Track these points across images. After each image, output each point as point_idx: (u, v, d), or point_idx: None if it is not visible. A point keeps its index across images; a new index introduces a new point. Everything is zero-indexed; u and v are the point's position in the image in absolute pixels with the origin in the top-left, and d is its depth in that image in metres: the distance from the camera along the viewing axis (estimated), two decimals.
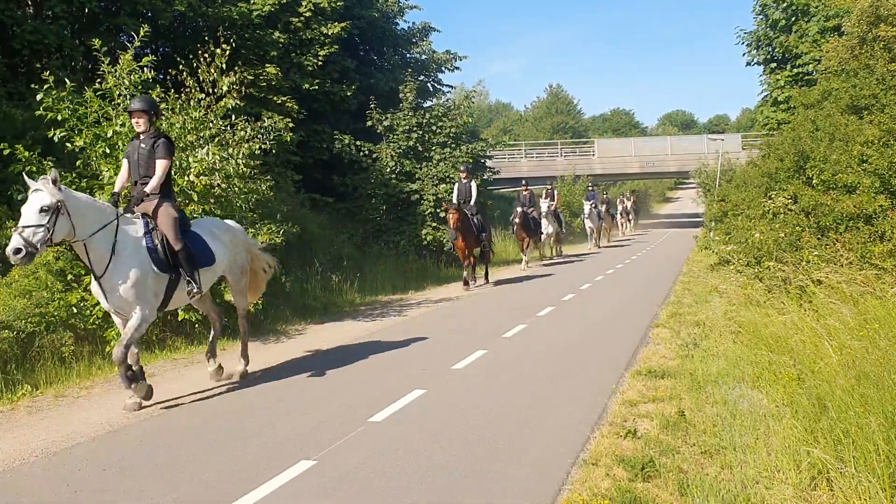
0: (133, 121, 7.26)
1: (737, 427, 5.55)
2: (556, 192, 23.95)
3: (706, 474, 4.78)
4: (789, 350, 6.28)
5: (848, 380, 4.85)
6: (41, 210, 5.95)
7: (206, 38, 14.00)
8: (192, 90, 11.12)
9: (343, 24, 21.50)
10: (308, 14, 21.06)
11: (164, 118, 10.21)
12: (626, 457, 5.10)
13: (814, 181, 10.61)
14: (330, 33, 21.35)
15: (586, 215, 27.82)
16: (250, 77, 12.55)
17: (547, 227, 22.31)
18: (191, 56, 12.11)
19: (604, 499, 4.42)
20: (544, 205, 22.34)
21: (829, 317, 6.39)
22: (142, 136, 7.18)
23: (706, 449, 5.24)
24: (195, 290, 7.11)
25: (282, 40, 20.45)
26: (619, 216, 38.07)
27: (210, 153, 10.20)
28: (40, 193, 5.99)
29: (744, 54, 34.65)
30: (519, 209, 20.03)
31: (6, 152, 9.18)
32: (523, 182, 22.88)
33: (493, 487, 4.73)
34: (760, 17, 34.13)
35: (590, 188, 30.04)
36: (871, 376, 4.81)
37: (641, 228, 44.10)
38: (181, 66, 11.49)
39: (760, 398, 6.26)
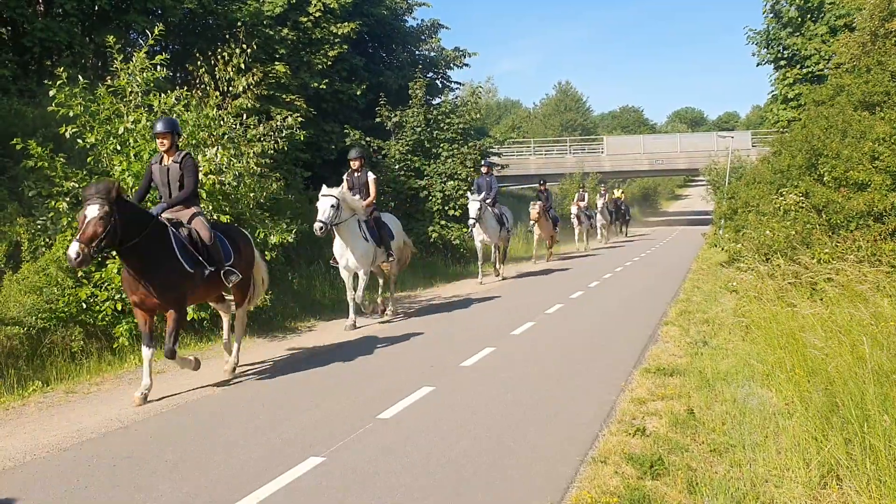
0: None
1: (746, 425, 5.53)
2: (370, 180, 11.60)
3: (715, 472, 4.76)
4: (800, 347, 6.25)
5: (860, 378, 4.82)
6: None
7: (225, 35, 14.03)
8: (209, 87, 11.17)
9: (353, 25, 21.51)
10: (318, 14, 21.09)
11: (175, 115, 10.24)
12: (634, 455, 5.09)
13: (825, 178, 10.55)
14: (339, 33, 21.35)
15: (472, 220, 16.11)
16: (260, 74, 12.62)
17: (344, 257, 10.91)
18: (209, 53, 12.18)
19: (612, 496, 4.41)
20: (324, 206, 10.32)
21: (840, 314, 6.35)
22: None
23: (715, 447, 5.22)
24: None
25: (291, 38, 20.47)
26: (576, 218, 27.25)
27: (219, 154, 10.23)
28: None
29: (753, 54, 34.45)
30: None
31: (19, 147, 9.24)
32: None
33: (501, 485, 4.73)
34: (770, 15, 33.90)
35: (483, 165, 17.41)
36: (884, 374, 4.77)
37: (644, 226, 43.46)
38: (199, 63, 11.55)
39: (770, 396, 6.24)
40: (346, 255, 10.83)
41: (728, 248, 15.56)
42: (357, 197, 11.11)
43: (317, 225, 10.19)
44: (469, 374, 7.80)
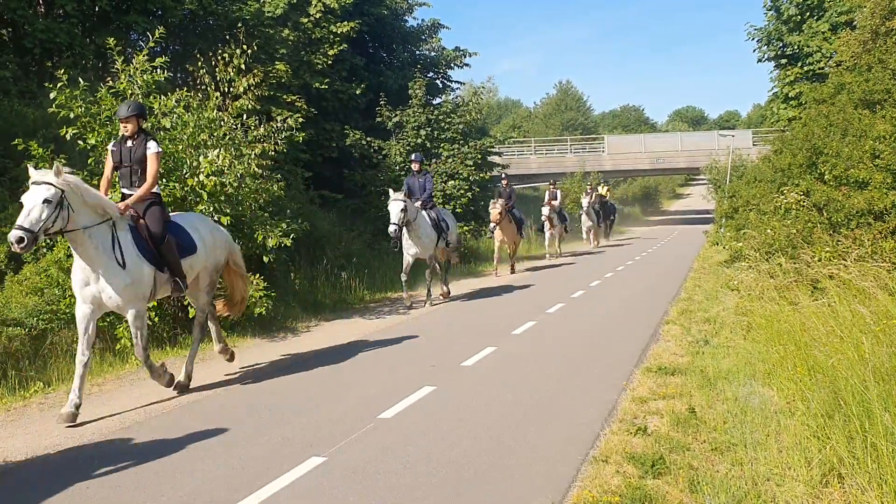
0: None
1: (748, 424, 5.52)
2: (151, 155, 7.19)
3: (717, 471, 4.76)
4: (801, 346, 6.25)
5: (863, 375, 4.81)
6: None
7: (225, 36, 13.99)
8: (209, 88, 11.18)
9: (353, 24, 21.53)
10: (318, 15, 21.12)
11: (176, 116, 10.24)
12: (636, 454, 5.08)
13: (826, 177, 10.54)
14: (339, 32, 21.38)
15: (394, 226, 12.38)
16: (260, 75, 12.62)
17: (90, 292, 6.50)
18: (209, 53, 12.19)
19: (614, 496, 4.41)
20: (32, 201, 5.98)
21: (841, 312, 6.34)
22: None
23: (717, 446, 5.22)
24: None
25: (291, 38, 20.48)
26: (548, 220, 22.89)
27: (220, 156, 10.23)
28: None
29: (754, 51, 34.52)
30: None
31: (20, 148, 9.26)
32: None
33: (502, 484, 4.73)
34: (771, 12, 33.96)
35: (414, 161, 13.72)
36: (886, 371, 4.77)
37: (644, 225, 43.42)
38: (200, 64, 11.56)
39: (771, 395, 6.23)
40: (94, 288, 6.47)
41: (729, 247, 15.55)
42: (106, 195, 6.88)
43: (13, 235, 5.78)
44: (470, 373, 7.80)
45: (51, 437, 5.94)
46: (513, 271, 18.87)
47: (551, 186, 24.68)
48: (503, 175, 20.37)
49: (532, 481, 4.77)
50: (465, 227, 20.52)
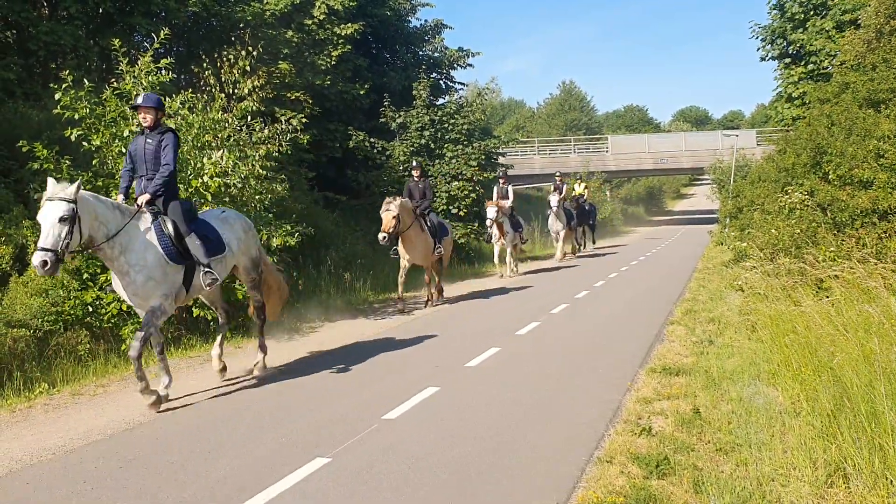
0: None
1: (752, 424, 5.52)
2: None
3: (721, 472, 4.75)
4: (806, 346, 6.23)
5: (869, 375, 4.80)
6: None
7: (230, 37, 14.05)
8: (214, 90, 11.21)
9: (356, 26, 21.56)
10: (322, 17, 21.16)
11: (181, 118, 10.27)
12: (640, 454, 5.08)
13: (830, 176, 10.52)
14: (343, 34, 21.41)
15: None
16: (265, 77, 12.65)
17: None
18: (214, 55, 12.26)
19: (618, 496, 4.41)
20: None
21: (847, 312, 6.33)
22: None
23: (721, 446, 5.21)
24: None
25: (295, 39, 20.52)
26: (496, 226, 17.26)
27: (224, 157, 10.25)
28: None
29: (758, 49, 34.51)
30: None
31: (24, 150, 9.28)
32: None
33: (507, 485, 4.73)
34: (775, 11, 33.96)
35: (138, 107, 6.95)
36: (892, 371, 4.76)
37: (648, 225, 43.31)
38: (205, 65, 11.62)
39: (776, 395, 6.22)
40: None
41: (733, 247, 15.53)
42: None
43: None
44: (474, 374, 7.79)
45: (55, 439, 5.95)
46: (431, 300, 13.33)
47: (501, 181, 18.42)
48: (416, 161, 14.72)
49: (534, 482, 4.76)
50: (467, 229, 20.49)
